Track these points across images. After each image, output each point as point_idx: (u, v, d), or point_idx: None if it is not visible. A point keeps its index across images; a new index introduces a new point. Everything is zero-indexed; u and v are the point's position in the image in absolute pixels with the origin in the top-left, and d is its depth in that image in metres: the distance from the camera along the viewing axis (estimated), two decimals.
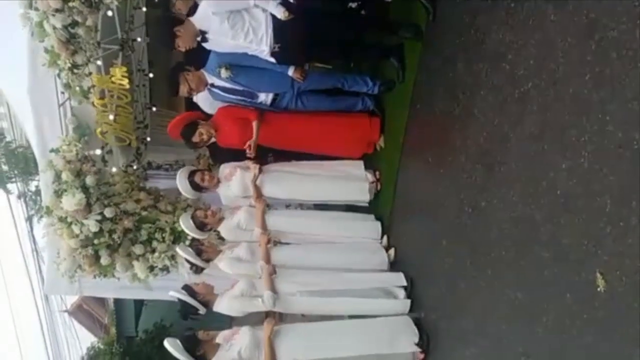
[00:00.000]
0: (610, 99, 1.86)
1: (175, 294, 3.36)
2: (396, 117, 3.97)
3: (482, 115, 2.69)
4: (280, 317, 3.64)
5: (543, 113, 2.22)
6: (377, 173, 4.24)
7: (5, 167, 7.59)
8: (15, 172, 7.74)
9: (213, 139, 4.07)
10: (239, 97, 4.07)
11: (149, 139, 6.29)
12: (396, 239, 3.94)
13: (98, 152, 4.14)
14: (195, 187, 4.05)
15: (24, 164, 7.37)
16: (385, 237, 4.08)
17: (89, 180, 3.83)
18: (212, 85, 3.98)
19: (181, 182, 4.05)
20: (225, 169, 4.12)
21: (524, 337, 2.32)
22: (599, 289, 1.89)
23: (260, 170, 4.06)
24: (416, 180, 3.68)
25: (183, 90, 3.92)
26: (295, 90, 4.04)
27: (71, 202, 3.65)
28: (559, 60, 2.13)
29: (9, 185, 8.11)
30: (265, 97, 4.07)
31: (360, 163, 4.35)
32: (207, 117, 4.38)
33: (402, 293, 3.49)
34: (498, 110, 2.55)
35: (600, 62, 1.90)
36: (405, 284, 3.46)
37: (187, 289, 3.37)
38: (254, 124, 3.93)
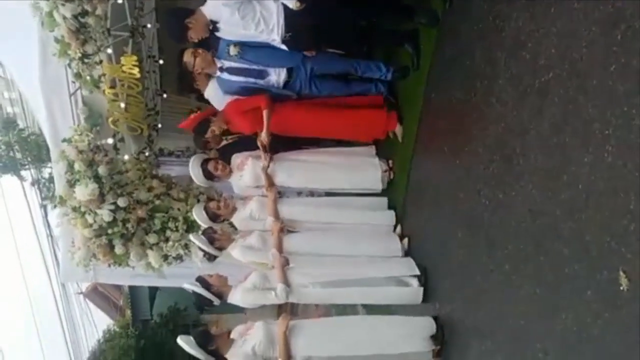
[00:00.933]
0: (636, 92, 1.78)
1: (189, 287, 3.37)
2: (410, 105, 3.90)
3: (501, 105, 2.62)
4: (292, 307, 3.64)
5: (565, 105, 2.14)
6: (391, 162, 4.19)
7: (18, 155, 7.64)
8: (29, 159, 7.80)
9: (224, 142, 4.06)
10: (249, 79, 3.98)
11: (160, 125, 6.29)
12: (410, 229, 3.90)
13: (110, 141, 4.13)
14: (208, 175, 4.04)
15: (36, 151, 7.41)
16: (399, 226, 4.05)
17: (102, 170, 3.83)
18: (221, 69, 3.91)
19: (194, 170, 4.04)
20: (237, 158, 4.09)
21: (543, 333, 2.28)
22: (621, 288, 1.84)
23: (271, 159, 4.03)
24: (430, 170, 3.62)
25: (187, 57, 3.83)
26: (308, 72, 3.96)
27: (84, 192, 3.66)
28: (582, 50, 2.05)
29: (23, 173, 8.20)
30: (276, 77, 3.96)
31: (373, 150, 4.30)
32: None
33: (415, 282, 3.46)
34: (517, 100, 2.47)
35: (627, 53, 1.82)
36: (418, 272, 3.43)
37: (201, 280, 3.37)
38: (265, 113, 3.86)
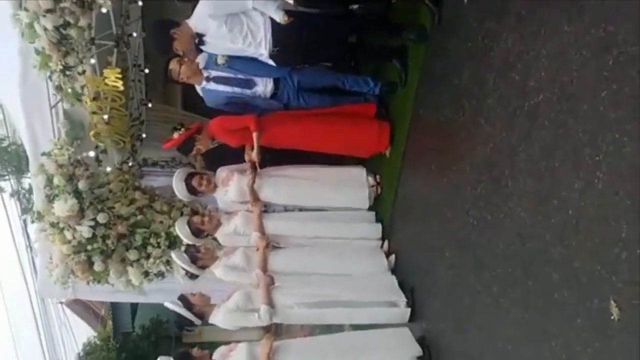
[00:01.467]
0: (628, 119, 1.76)
1: (170, 306, 3.28)
2: (398, 121, 3.88)
3: (490, 125, 2.59)
4: (276, 326, 3.56)
5: (555, 128, 2.12)
6: (378, 177, 4.14)
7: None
8: (9, 169, 7.57)
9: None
10: (236, 89, 3.91)
11: (144, 135, 6.17)
12: (397, 245, 3.86)
13: (91, 153, 4.03)
14: (192, 190, 3.95)
15: (17, 161, 7.20)
16: (386, 243, 4.01)
17: (82, 184, 3.72)
18: (207, 78, 3.85)
19: (177, 184, 3.96)
20: (222, 172, 4.02)
21: (531, 359, 2.24)
22: (612, 318, 1.80)
23: (257, 174, 3.97)
24: (418, 187, 3.58)
25: (173, 64, 3.75)
26: (295, 84, 3.92)
27: (63, 207, 3.55)
28: (573, 74, 2.02)
29: (2, 184, 7.99)
30: (263, 88, 3.91)
31: (361, 167, 4.25)
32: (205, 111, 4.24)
33: (402, 302, 3.41)
34: (506, 122, 2.45)
35: (619, 79, 1.80)
36: (404, 299, 3.37)
37: (183, 300, 3.29)
38: (255, 136, 3.78)
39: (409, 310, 3.35)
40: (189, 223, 3.88)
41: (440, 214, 3.14)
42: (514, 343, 2.37)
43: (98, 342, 11.19)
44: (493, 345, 2.53)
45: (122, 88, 3.60)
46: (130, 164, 5.46)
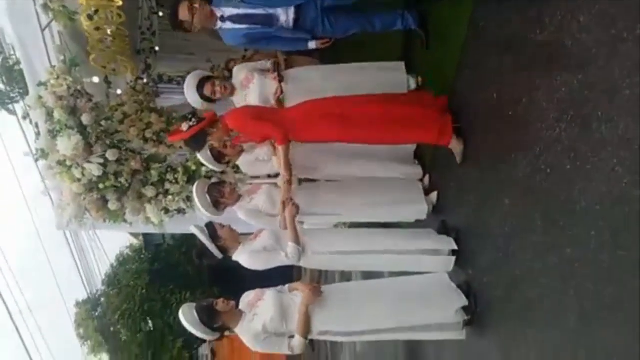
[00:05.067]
0: None
1: (195, 231, 2.97)
2: (451, 34, 3.26)
3: (580, 50, 2.02)
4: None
5: None
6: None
7: (5, 87, 6.95)
8: (19, 91, 7.11)
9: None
10: (255, 27, 3.31)
11: (157, 48, 5.72)
12: (440, 180, 3.44)
13: (96, 79, 3.57)
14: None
15: (24, 82, 6.72)
16: (427, 177, 3.59)
17: (86, 118, 3.30)
18: (222, 18, 3.25)
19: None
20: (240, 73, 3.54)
21: (615, 346, 1.88)
22: None
23: (281, 79, 3.48)
24: (472, 116, 3.05)
25: (184, 13, 3.16)
26: (319, 6, 3.29)
27: (67, 145, 3.16)
28: None
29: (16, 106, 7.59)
30: (285, 18, 3.29)
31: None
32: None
33: (447, 249, 3.07)
34: (606, 48, 1.88)
35: None
36: (455, 247, 3.01)
37: (211, 228, 2.97)
38: (281, 150, 3.08)
39: (453, 258, 3.01)
40: (211, 149, 3.47)
41: (501, 152, 2.65)
42: (586, 320, 2.00)
43: (130, 254, 11.48)
44: (563, 318, 2.17)
45: (120, 3, 3.04)
46: (145, 80, 5.06)
